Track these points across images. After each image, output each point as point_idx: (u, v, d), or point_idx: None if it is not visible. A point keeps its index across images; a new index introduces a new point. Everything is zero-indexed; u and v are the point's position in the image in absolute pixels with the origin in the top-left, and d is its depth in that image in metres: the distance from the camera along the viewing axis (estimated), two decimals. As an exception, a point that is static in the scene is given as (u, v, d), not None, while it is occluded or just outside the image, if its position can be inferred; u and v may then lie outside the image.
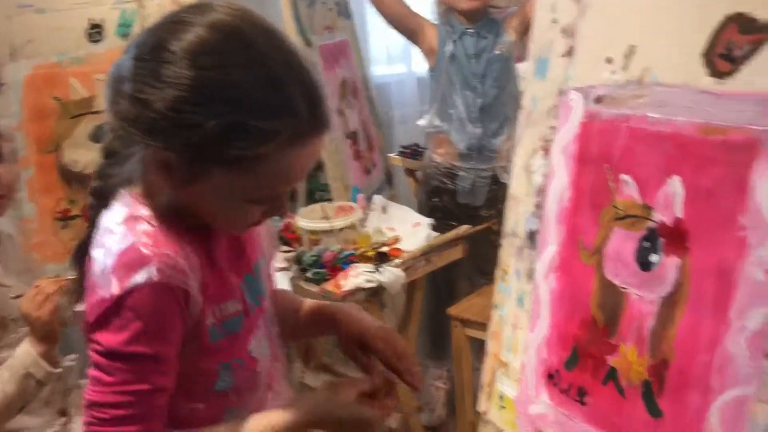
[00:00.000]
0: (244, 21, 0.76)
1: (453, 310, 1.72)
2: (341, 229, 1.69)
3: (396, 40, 3.35)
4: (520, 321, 1.15)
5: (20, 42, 1.79)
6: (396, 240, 1.72)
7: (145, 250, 0.77)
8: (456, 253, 1.81)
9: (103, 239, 0.80)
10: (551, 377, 1.07)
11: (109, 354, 0.77)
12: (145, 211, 0.81)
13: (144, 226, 0.79)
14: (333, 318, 1.02)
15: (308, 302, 1.09)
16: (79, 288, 0.85)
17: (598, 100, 0.99)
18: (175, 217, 0.81)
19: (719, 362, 0.81)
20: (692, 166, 0.85)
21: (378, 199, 1.98)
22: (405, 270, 1.67)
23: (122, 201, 0.83)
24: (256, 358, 0.92)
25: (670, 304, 0.88)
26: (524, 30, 1.98)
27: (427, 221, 1.85)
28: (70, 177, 1.82)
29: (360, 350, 0.98)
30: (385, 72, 3.34)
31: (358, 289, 1.58)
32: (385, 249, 1.70)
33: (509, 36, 2.08)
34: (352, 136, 2.45)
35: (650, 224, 0.91)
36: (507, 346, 1.17)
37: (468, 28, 2.10)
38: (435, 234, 1.82)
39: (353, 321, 1.00)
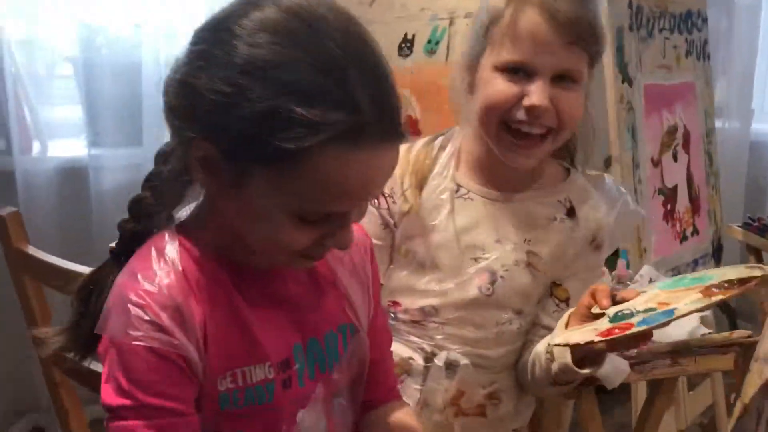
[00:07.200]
0: (323, 5, 0.68)
1: None
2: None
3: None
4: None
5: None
6: (644, 324, 1.37)
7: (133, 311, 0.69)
8: (721, 364, 1.34)
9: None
10: None
11: (105, 408, 0.70)
12: (172, 253, 0.72)
13: (148, 284, 0.70)
14: None
15: None
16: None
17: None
18: (214, 262, 0.74)
19: None
20: None
21: (647, 270, 1.62)
22: (635, 365, 1.29)
23: (159, 238, 0.75)
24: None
25: None
26: None
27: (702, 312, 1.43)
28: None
29: None
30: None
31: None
32: (621, 330, 1.36)
33: None
34: (668, 193, 2.07)
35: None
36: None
37: None
38: (706, 331, 1.39)
39: None
